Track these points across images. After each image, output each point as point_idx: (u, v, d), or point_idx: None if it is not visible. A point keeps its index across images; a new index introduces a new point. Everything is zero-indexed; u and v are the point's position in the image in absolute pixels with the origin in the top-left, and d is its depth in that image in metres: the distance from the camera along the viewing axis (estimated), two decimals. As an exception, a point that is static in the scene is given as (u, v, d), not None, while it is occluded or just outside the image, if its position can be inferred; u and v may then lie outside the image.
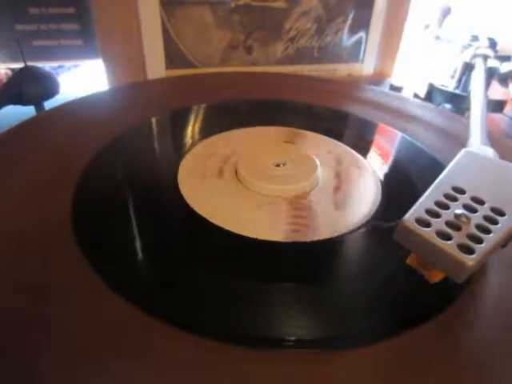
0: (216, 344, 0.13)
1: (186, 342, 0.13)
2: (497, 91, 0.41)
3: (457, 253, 0.14)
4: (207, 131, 0.28)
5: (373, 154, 0.26)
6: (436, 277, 0.15)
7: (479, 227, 0.15)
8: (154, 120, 0.29)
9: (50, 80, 0.38)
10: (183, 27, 0.44)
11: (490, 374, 0.13)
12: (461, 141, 0.25)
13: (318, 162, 0.23)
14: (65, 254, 0.16)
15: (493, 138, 0.23)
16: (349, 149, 0.27)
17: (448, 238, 0.14)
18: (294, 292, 0.16)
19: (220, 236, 0.18)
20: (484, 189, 0.17)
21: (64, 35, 0.44)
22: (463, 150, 0.20)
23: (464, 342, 0.14)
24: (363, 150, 0.27)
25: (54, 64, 0.49)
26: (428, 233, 0.14)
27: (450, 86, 0.43)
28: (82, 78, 0.50)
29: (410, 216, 0.15)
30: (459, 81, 0.42)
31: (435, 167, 0.23)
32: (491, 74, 0.39)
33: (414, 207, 0.16)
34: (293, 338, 0.14)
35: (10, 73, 0.42)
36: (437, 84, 0.44)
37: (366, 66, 0.53)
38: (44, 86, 0.37)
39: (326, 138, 0.28)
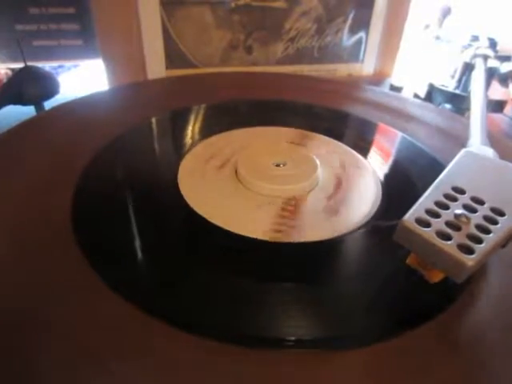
0: (216, 344, 0.13)
1: (186, 342, 0.13)
2: (497, 91, 0.41)
3: (457, 253, 0.14)
4: (207, 131, 0.28)
5: (373, 154, 0.26)
6: (436, 277, 0.15)
7: (479, 227, 0.15)
8: (153, 120, 0.29)
9: (50, 80, 0.38)
10: (183, 27, 0.44)
11: (490, 374, 0.13)
12: (461, 141, 0.25)
13: (318, 161, 0.23)
14: (65, 254, 0.16)
15: (493, 138, 0.23)
16: (349, 149, 0.27)
17: (448, 238, 0.14)
18: (294, 292, 0.16)
19: (220, 236, 0.18)
20: (484, 189, 0.17)
21: (64, 35, 0.44)
22: (463, 150, 0.20)
23: (464, 342, 0.14)
24: (363, 150, 0.27)
25: (54, 64, 0.49)
26: (428, 233, 0.14)
27: (450, 86, 0.43)
28: (82, 78, 0.50)
29: (409, 216, 0.15)
30: (459, 81, 0.42)
31: (435, 167, 0.23)
32: (491, 74, 0.39)
33: (414, 207, 0.16)
34: (293, 338, 0.14)
35: (9, 73, 0.42)
36: (437, 84, 0.44)
37: (366, 66, 0.53)
38: (44, 86, 0.37)
39: (334, 140, 0.28)
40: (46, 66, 0.46)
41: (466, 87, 0.42)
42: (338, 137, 0.28)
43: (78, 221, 0.18)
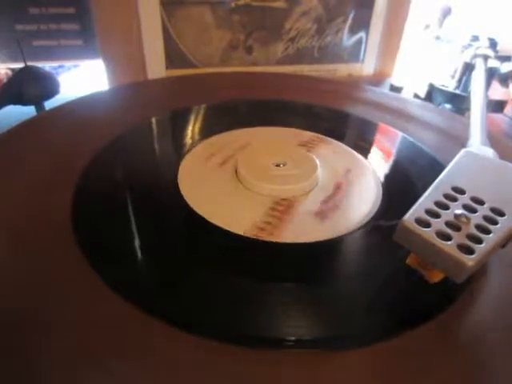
0: (216, 344, 0.13)
1: (186, 341, 0.13)
2: (497, 91, 0.41)
3: (456, 253, 0.14)
4: (207, 131, 0.28)
5: (373, 154, 0.26)
6: (436, 277, 0.15)
7: (479, 227, 0.15)
8: (153, 120, 0.29)
9: (50, 80, 0.38)
10: (183, 27, 0.44)
11: (490, 374, 0.13)
12: (461, 141, 0.25)
13: (318, 161, 0.23)
14: (65, 253, 0.16)
15: (493, 139, 0.23)
16: (349, 149, 0.27)
17: (448, 238, 0.14)
18: (294, 292, 0.16)
19: (220, 236, 0.18)
20: (484, 189, 0.17)
21: (64, 35, 0.44)
22: (463, 150, 0.20)
23: (464, 342, 0.14)
24: (363, 150, 0.27)
25: (54, 64, 0.49)
26: (428, 233, 0.14)
27: (451, 86, 0.43)
28: (82, 78, 0.50)
29: (409, 216, 0.15)
30: (459, 81, 0.42)
31: (435, 167, 0.23)
32: (491, 74, 0.39)
33: (414, 207, 0.16)
34: (293, 338, 0.14)
35: (10, 73, 0.42)
36: (437, 84, 0.44)
37: (367, 66, 0.53)
38: (44, 85, 0.37)
39: (334, 140, 0.28)
40: (46, 66, 0.46)
41: (466, 87, 0.42)
42: (338, 137, 0.28)
43: (78, 221, 0.18)
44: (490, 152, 0.21)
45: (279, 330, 0.14)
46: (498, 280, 0.17)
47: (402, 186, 0.23)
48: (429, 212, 0.15)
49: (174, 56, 0.45)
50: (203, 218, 0.19)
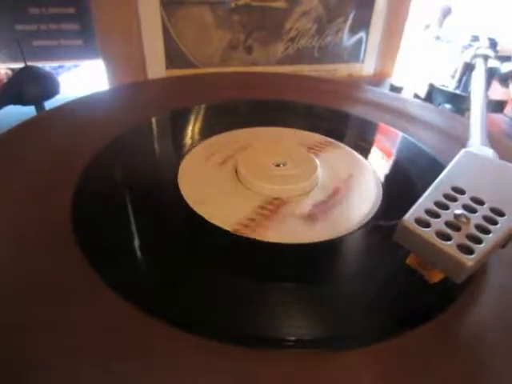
0: (216, 344, 0.13)
1: (186, 341, 0.13)
2: (497, 91, 0.41)
3: (456, 253, 0.14)
4: (207, 131, 0.28)
5: (373, 154, 0.26)
6: (436, 277, 0.15)
7: (479, 227, 0.15)
8: (153, 120, 0.29)
9: (50, 80, 0.38)
10: (183, 27, 0.44)
11: (490, 374, 0.13)
12: (461, 141, 0.25)
13: (318, 162, 0.23)
14: (65, 253, 0.16)
15: (493, 139, 0.23)
16: (349, 148, 0.27)
17: (447, 238, 0.14)
18: (294, 292, 0.16)
19: (219, 236, 0.18)
20: (483, 189, 0.17)
21: (64, 35, 0.44)
22: (463, 151, 0.20)
23: (464, 342, 0.14)
24: (363, 150, 0.27)
25: (54, 64, 0.49)
26: (428, 233, 0.14)
27: (451, 86, 0.43)
28: (82, 78, 0.50)
29: (409, 216, 0.15)
30: (459, 81, 0.42)
31: (435, 167, 0.23)
32: (492, 74, 0.39)
33: (414, 207, 0.16)
34: (293, 338, 0.14)
35: (10, 73, 0.42)
36: (437, 84, 0.44)
37: (367, 66, 0.53)
38: (44, 85, 0.37)
39: (334, 140, 0.28)
40: (46, 65, 0.46)
41: (466, 87, 0.42)
42: (338, 137, 0.28)
43: (78, 221, 0.18)
44: (489, 152, 0.21)
45: (279, 330, 0.14)
46: (498, 280, 0.17)
47: (402, 186, 0.23)
48: (429, 212, 0.15)
49: (174, 56, 0.45)
50: (203, 218, 0.19)
